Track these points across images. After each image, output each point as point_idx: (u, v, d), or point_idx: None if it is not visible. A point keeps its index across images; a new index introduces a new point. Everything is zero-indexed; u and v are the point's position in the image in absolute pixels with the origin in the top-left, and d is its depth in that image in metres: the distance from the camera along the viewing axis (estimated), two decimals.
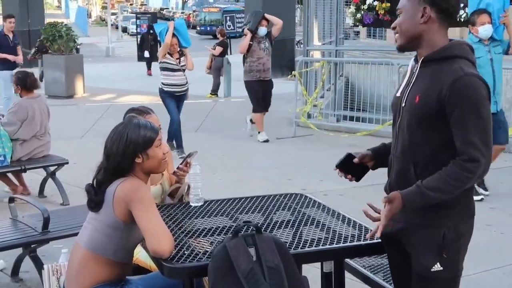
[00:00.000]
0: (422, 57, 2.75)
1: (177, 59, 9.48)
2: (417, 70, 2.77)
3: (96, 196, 3.15)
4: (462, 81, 2.59)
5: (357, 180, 3.08)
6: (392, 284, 3.67)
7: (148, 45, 22.55)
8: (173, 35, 9.42)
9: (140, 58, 23.71)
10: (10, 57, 12.05)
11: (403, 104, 2.77)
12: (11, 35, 12.35)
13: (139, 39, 25.00)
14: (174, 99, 9.60)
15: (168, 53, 9.43)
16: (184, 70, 9.59)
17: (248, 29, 10.40)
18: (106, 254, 3.16)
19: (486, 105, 2.63)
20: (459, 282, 2.80)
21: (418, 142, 2.71)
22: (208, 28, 44.05)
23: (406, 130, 2.75)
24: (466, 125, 2.59)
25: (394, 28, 2.84)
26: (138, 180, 3.17)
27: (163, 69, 9.50)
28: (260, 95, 10.51)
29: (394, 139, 2.86)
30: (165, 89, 9.54)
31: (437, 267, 2.69)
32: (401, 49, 2.85)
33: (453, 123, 2.60)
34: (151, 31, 21.60)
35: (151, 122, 3.36)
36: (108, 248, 3.15)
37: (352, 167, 3.03)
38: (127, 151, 3.14)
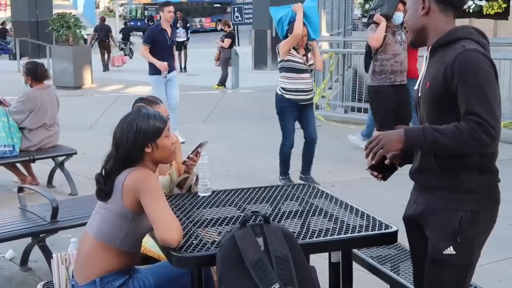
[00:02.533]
0: (430, 46, 2.81)
1: (303, 55, 7.16)
2: (427, 60, 2.83)
3: (105, 186, 3.16)
4: (463, 56, 2.62)
5: (385, 179, 3.04)
6: (400, 274, 3.70)
7: None
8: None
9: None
10: (159, 64, 9.45)
11: (419, 94, 2.83)
12: (169, 30, 9.77)
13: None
14: (296, 110, 7.32)
15: (294, 48, 7.11)
16: (311, 71, 7.34)
17: (382, 14, 7.92)
18: (114, 244, 3.17)
19: (489, 78, 2.62)
20: (472, 272, 2.79)
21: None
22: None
23: (426, 117, 2.80)
24: (469, 97, 2.59)
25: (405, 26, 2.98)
26: (147, 170, 3.18)
27: (286, 69, 7.14)
28: (392, 106, 7.93)
29: None
30: (287, 96, 7.18)
31: (450, 250, 2.70)
32: (413, 45, 2.94)
33: (459, 99, 2.62)
34: (151, 23, 20.59)
35: (159, 112, 3.37)
36: (117, 237, 3.16)
37: (382, 167, 2.98)
38: (137, 141, 3.16)
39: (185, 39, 20.39)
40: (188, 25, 21.33)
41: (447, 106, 2.67)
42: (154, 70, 9.72)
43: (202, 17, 46.43)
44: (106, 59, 20.84)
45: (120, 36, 25.81)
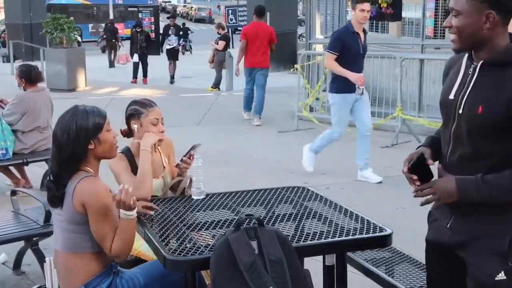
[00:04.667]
0: (481, 60, 2.49)
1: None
2: (476, 74, 2.50)
3: (57, 191, 3.14)
4: None
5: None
6: (394, 277, 3.69)
7: (137, 47, 18.58)
8: None
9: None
10: (355, 77, 7.18)
11: (460, 111, 2.51)
12: (362, 35, 7.44)
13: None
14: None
15: None
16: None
17: None
18: (84, 251, 3.15)
19: None
20: None
21: (481, 153, 2.50)
22: None
23: (467, 139, 2.51)
24: None
25: (448, 27, 2.55)
26: (97, 183, 3.13)
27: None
28: None
29: (447, 143, 2.62)
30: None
31: (501, 276, 2.53)
32: (459, 52, 2.60)
33: None
34: (141, 29, 19.06)
35: (97, 107, 3.31)
36: (83, 243, 3.14)
37: (422, 170, 2.62)
38: (79, 139, 3.12)
39: (177, 46, 19.57)
40: (181, 32, 20.53)
41: (502, 135, 2.44)
42: (341, 87, 7.37)
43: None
44: (112, 57, 23.27)
45: None
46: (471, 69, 2.52)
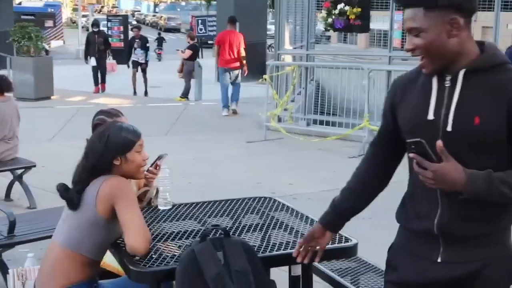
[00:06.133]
0: (462, 69, 2.25)
1: None
2: (459, 85, 2.25)
3: (75, 194, 3.14)
4: None
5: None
6: (360, 287, 3.70)
7: (94, 49, 17.46)
8: None
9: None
10: None
11: (449, 129, 2.22)
12: None
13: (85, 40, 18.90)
14: None
15: None
16: None
17: None
18: (81, 251, 3.15)
19: None
20: None
21: (479, 167, 2.21)
22: None
23: (463, 156, 2.20)
24: None
25: (411, 50, 2.30)
26: (122, 177, 3.17)
27: None
28: None
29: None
30: None
31: None
32: (432, 75, 2.32)
33: None
34: (98, 29, 17.97)
35: (134, 126, 3.34)
36: (85, 244, 3.14)
37: None
38: (106, 152, 3.15)
39: (143, 61, 17.76)
40: (147, 44, 18.22)
41: (501, 150, 2.23)
42: None
43: None
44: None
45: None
46: (447, 83, 2.27)
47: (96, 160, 3.15)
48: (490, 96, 2.19)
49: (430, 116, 2.26)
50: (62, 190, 3.19)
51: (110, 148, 3.16)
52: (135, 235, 2.97)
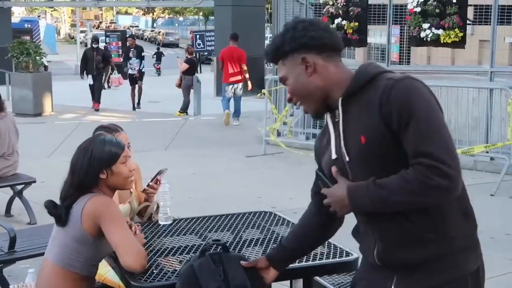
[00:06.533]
0: (340, 99, 2.30)
1: None
2: (340, 116, 2.31)
3: (62, 211, 3.13)
4: (398, 88, 2.18)
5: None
6: None
7: (93, 67, 16.77)
8: None
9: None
10: None
11: (347, 159, 2.27)
12: None
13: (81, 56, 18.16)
14: None
15: None
16: None
17: None
18: (73, 269, 3.14)
19: (435, 107, 2.18)
20: None
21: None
22: None
23: (374, 174, 2.19)
24: (415, 135, 2.12)
25: (292, 102, 2.42)
26: (107, 197, 3.16)
27: None
28: None
29: None
30: None
31: None
32: (320, 116, 2.42)
33: (404, 141, 2.14)
34: (97, 46, 17.55)
35: (117, 138, 3.35)
36: (76, 262, 3.13)
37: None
38: (90, 167, 3.14)
39: (136, 71, 17.47)
40: (143, 54, 17.88)
41: (397, 156, 2.17)
42: None
43: None
44: (106, 80, 22.55)
45: None
46: (336, 118, 2.34)
47: (81, 176, 3.13)
48: (366, 110, 2.22)
49: (333, 155, 2.34)
50: (50, 206, 3.18)
51: (94, 162, 3.14)
52: (128, 254, 2.95)
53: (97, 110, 16.73)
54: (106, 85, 22.33)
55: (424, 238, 2.20)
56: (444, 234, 2.21)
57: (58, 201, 3.20)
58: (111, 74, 22.59)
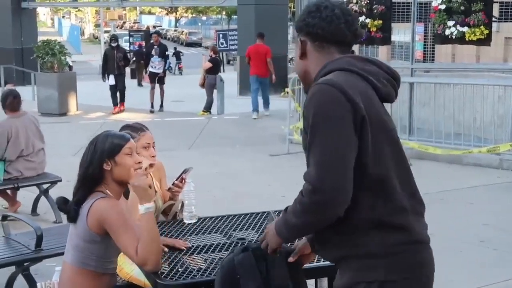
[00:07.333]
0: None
1: None
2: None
3: (75, 206, 3.18)
4: (309, 94, 2.25)
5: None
6: None
7: (113, 66, 15.95)
8: None
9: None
10: None
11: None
12: None
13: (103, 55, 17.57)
14: None
15: None
16: None
17: None
18: (88, 267, 3.19)
19: (327, 120, 2.17)
20: None
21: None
22: None
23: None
24: (310, 143, 2.22)
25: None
26: (111, 200, 3.16)
27: None
28: None
29: None
30: None
31: None
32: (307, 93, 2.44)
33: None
34: (117, 44, 16.64)
35: (124, 133, 3.37)
36: (89, 260, 3.18)
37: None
38: (94, 158, 3.18)
39: (160, 71, 16.39)
40: (166, 53, 16.91)
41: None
42: None
43: None
44: (140, 77, 23.26)
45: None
46: None
47: (86, 167, 3.19)
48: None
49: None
50: (60, 202, 3.26)
51: (97, 153, 3.18)
52: (138, 255, 2.98)
53: (122, 111, 16.23)
54: (139, 83, 23.03)
55: (331, 241, 2.34)
56: (350, 241, 2.29)
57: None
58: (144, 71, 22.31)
